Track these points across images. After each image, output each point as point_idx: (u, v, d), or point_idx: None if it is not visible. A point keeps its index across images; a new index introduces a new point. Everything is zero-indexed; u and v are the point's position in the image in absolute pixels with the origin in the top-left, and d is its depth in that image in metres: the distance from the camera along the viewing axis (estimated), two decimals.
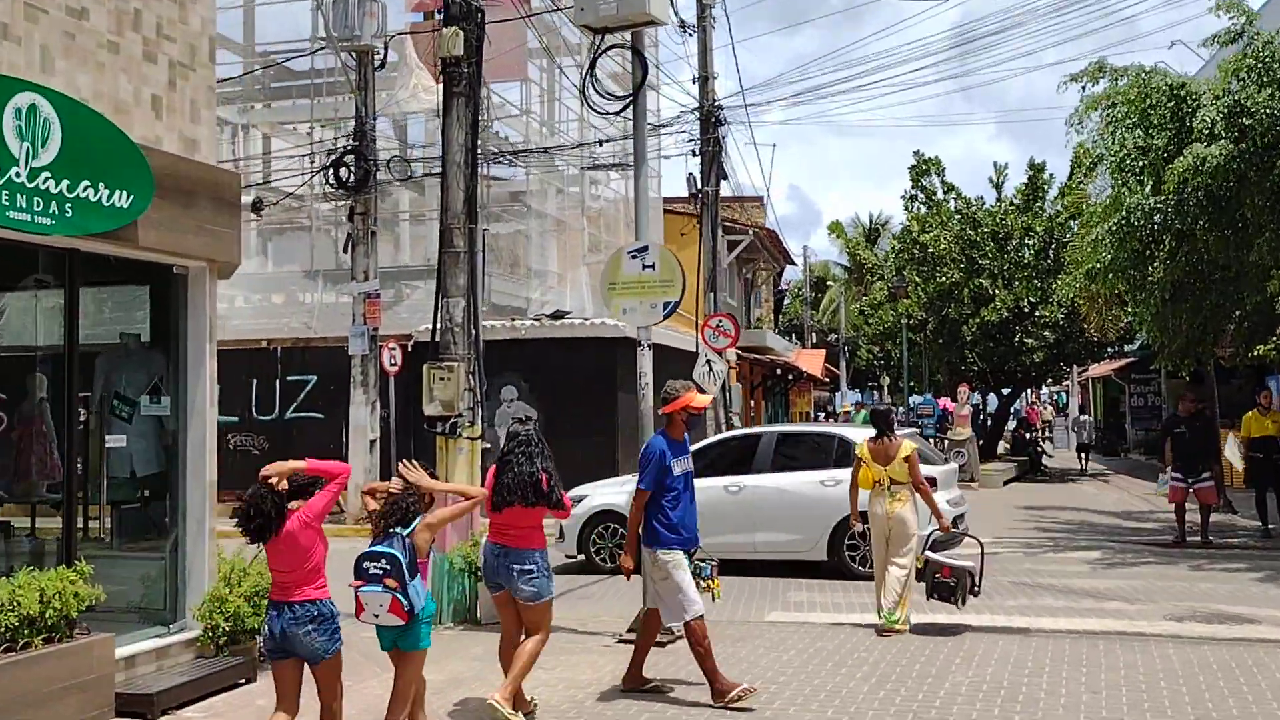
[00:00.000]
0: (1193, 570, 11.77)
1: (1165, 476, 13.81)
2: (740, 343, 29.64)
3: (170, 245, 7.36)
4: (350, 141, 17.67)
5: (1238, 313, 14.09)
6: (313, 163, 18.75)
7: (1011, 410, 33.43)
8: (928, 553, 8.80)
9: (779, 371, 33.27)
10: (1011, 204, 27.16)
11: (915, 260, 27.72)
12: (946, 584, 8.61)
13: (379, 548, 5.24)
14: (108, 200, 6.65)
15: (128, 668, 7.07)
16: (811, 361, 40.36)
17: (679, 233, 29.36)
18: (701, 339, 16.02)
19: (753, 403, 34.16)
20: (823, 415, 48.58)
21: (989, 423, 33.18)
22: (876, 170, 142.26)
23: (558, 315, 18.54)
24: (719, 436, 14.08)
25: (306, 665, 5.27)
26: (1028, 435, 30.03)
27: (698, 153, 16.17)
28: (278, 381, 19.15)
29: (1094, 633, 8.60)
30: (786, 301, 59.64)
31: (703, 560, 6.92)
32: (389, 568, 5.15)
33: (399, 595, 5.16)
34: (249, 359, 19.20)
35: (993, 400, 34.92)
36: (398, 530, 5.34)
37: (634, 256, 8.85)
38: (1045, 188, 26.91)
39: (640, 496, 6.73)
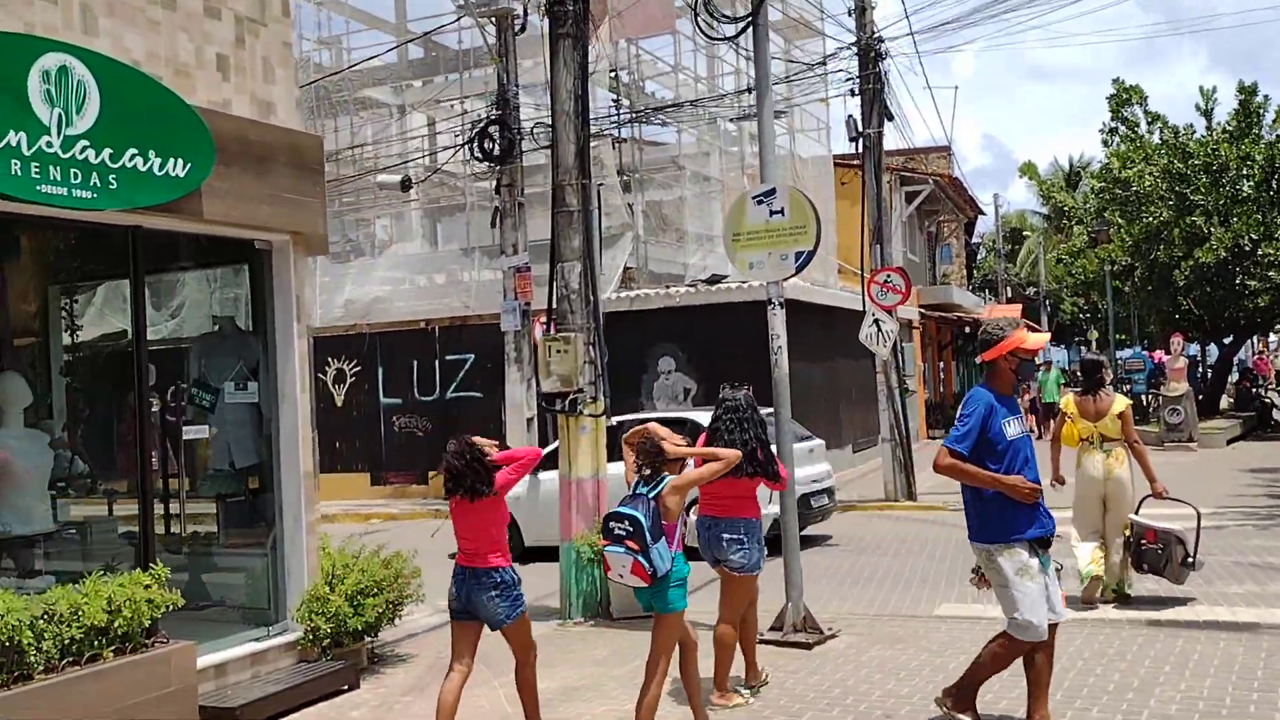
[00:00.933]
0: None
1: None
2: (924, 301, 27.88)
3: (242, 217, 6.76)
4: (494, 111, 17.12)
5: None
6: (461, 138, 18.30)
7: (1235, 361, 30.18)
8: (1133, 516, 8.03)
9: (969, 330, 31.16)
10: (1224, 132, 24.23)
11: (1118, 200, 25.18)
12: (1154, 550, 7.84)
13: (624, 509, 5.17)
14: (160, 169, 6.07)
15: (218, 676, 6.58)
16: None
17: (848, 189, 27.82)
18: (868, 296, 14.67)
19: (941, 364, 32.20)
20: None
21: (1208, 376, 30.10)
22: (1079, 116, 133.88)
23: (713, 280, 17.50)
24: None
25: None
26: (1254, 388, 26.98)
27: (856, 92, 14.76)
28: (437, 362, 18.91)
29: None
30: (981, 255, 56.40)
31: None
32: (630, 530, 5.10)
33: (640, 558, 5.08)
34: (410, 341, 19.05)
35: (1213, 352, 31.68)
36: (643, 491, 5.24)
37: (759, 202, 7.74)
38: (1260, 112, 23.87)
39: (944, 460, 5.03)
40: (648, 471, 5.31)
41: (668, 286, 17.96)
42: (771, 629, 7.60)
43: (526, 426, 17.26)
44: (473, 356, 18.54)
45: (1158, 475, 8.10)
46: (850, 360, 19.30)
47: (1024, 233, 60.98)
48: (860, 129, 14.82)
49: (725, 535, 6.07)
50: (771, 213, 7.69)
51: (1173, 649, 6.73)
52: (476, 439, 5.50)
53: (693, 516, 6.36)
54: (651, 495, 5.21)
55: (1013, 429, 5.07)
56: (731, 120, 19.55)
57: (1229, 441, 22.24)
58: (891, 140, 37.45)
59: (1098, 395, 8.20)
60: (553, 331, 8.86)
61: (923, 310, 27.37)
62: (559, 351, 8.65)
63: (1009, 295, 48.85)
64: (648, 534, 5.08)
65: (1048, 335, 5.69)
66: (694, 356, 17.41)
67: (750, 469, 6.04)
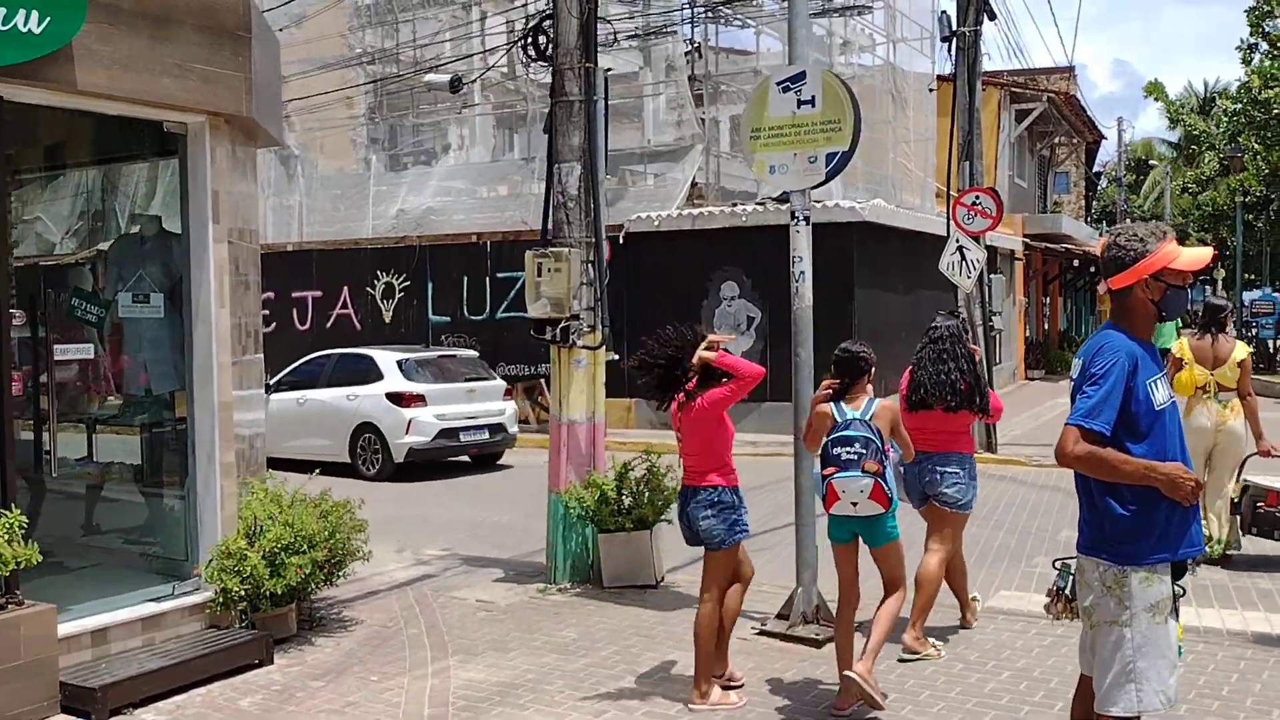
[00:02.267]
0: None
1: None
2: (1030, 230, 25.61)
3: (135, 91, 5.50)
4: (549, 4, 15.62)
5: None
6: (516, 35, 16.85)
7: None
8: (1246, 477, 7.59)
9: (1077, 264, 28.76)
10: None
11: (1255, 124, 22.52)
12: (1272, 514, 7.38)
13: (849, 431, 4.89)
14: (4, 23, 4.84)
15: (96, 644, 5.51)
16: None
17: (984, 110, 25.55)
18: (953, 220, 12.90)
19: (1046, 299, 29.92)
20: None
21: None
22: (1221, 40, 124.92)
23: (784, 198, 15.77)
24: (311, 356, 15.03)
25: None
26: None
27: None
28: (488, 279, 17.72)
29: None
30: (1102, 185, 52.79)
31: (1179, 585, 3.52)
32: (865, 450, 4.82)
33: (880, 479, 4.81)
34: (461, 255, 17.88)
35: None
36: (854, 415, 4.96)
37: (785, 89, 6.18)
38: None
39: (1076, 447, 3.35)
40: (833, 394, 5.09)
41: (734, 204, 16.36)
42: (778, 617, 6.25)
43: None
44: (524, 275, 17.27)
45: (1266, 434, 7.48)
46: (938, 293, 17.53)
47: (1150, 162, 56.96)
48: (955, 26, 12.90)
49: (940, 469, 5.82)
50: (800, 103, 6.14)
51: None
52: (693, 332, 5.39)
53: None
54: (867, 417, 4.96)
55: (1161, 393, 3.42)
56: (813, 16, 17.57)
57: None
58: (1007, 60, 34.64)
59: (1217, 339, 7.57)
60: (544, 247, 7.47)
61: (1028, 240, 25.17)
62: (551, 270, 7.31)
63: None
64: (882, 454, 4.86)
65: (1210, 251, 3.83)
66: (760, 282, 15.87)
67: (953, 402, 5.77)
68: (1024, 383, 24.80)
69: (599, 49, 15.94)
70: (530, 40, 15.82)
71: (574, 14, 7.38)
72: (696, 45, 17.58)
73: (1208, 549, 7.27)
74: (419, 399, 13.03)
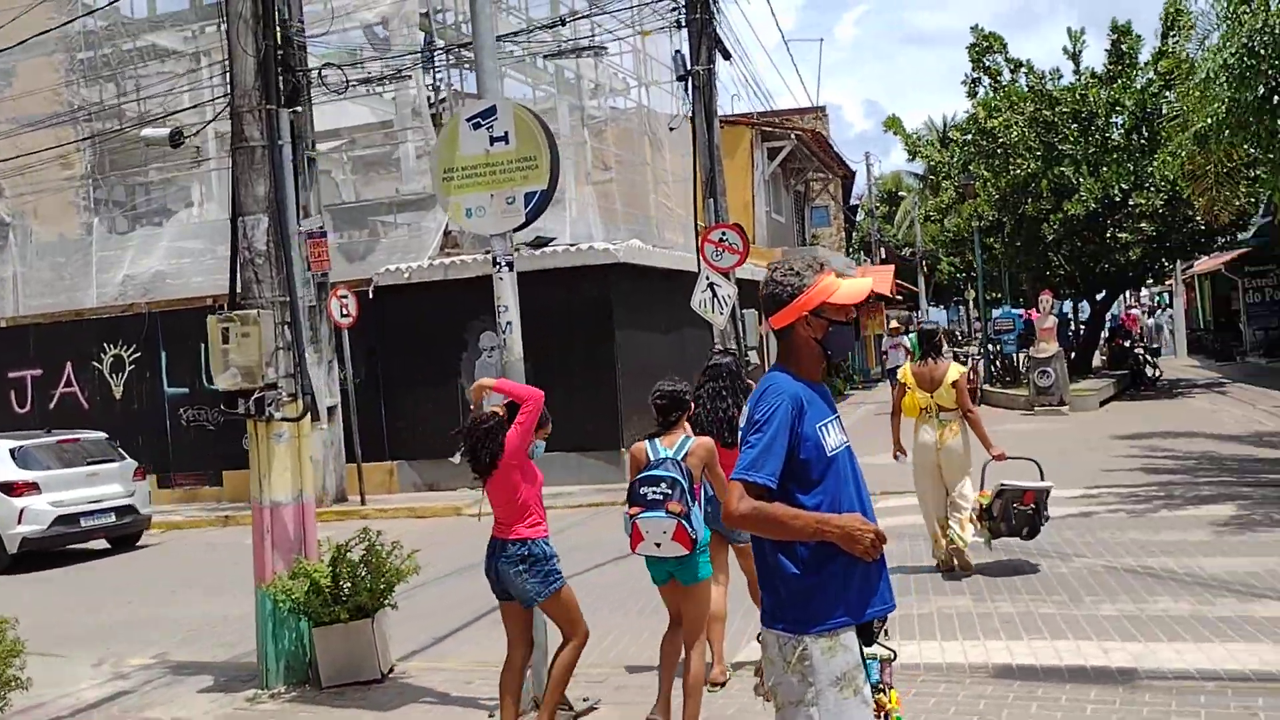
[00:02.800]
0: None
1: None
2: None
3: None
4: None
5: None
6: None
7: (1108, 318, 29.41)
8: (1003, 481, 7.87)
9: None
10: (1093, 76, 23.05)
11: (984, 152, 23.84)
12: (1026, 513, 7.72)
13: (657, 471, 4.87)
14: None
15: None
16: (878, 279, 36.67)
17: (727, 149, 25.97)
18: (702, 257, 12.80)
19: None
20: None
21: (1081, 334, 29.30)
22: (955, 78, 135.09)
23: (539, 242, 15.46)
24: None
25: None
26: (1127, 344, 26.15)
27: (683, 23, 12.83)
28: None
29: (1251, 678, 5.35)
30: (859, 217, 55.43)
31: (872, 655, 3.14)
32: (671, 491, 4.80)
33: (685, 522, 4.77)
34: (196, 321, 16.42)
35: (1088, 309, 30.94)
36: (667, 454, 4.97)
37: (476, 126, 5.72)
38: (1133, 52, 22.73)
39: (740, 505, 2.94)
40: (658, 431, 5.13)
41: (487, 252, 15.79)
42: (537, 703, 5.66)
43: (327, 416, 15.04)
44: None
45: (994, 440, 7.93)
46: (703, 331, 17.52)
47: (899, 193, 60.47)
48: (688, 66, 12.88)
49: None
50: (493, 140, 5.69)
51: (1026, 714, 5.00)
52: (481, 412, 5.28)
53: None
54: (679, 457, 4.94)
55: (833, 437, 3.06)
56: (547, 57, 17.37)
57: (1102, 403, 21.19)
58: (758, 103, 35.79)
59: (935, 363, 8.02)
60: (232, 308, 6.71)
61: None
62: (239, 336, 6.53)
63: (883, 256, 48.07)
64: (688, 495, 4.83)
65: (868, 283, 3.36)
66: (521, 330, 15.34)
67: (730, 438, 5.61)
68: None
69: (341, 94, 15.15)
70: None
71: (249, 51, 6.65)
72: (438, 89, 17.03)
73: (959, 543, 7.73)
74: (32, 487, 12.68)
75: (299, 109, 14.75)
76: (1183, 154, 12.57)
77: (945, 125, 53.91)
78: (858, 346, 39.06)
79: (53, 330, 17.15)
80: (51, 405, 17.11)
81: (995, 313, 26.52)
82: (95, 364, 16.91)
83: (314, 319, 15.02)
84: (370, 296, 15.77)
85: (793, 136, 26.32)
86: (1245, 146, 11.48)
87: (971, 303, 50.80)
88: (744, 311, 13.31)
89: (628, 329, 15.14)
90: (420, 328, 15.70)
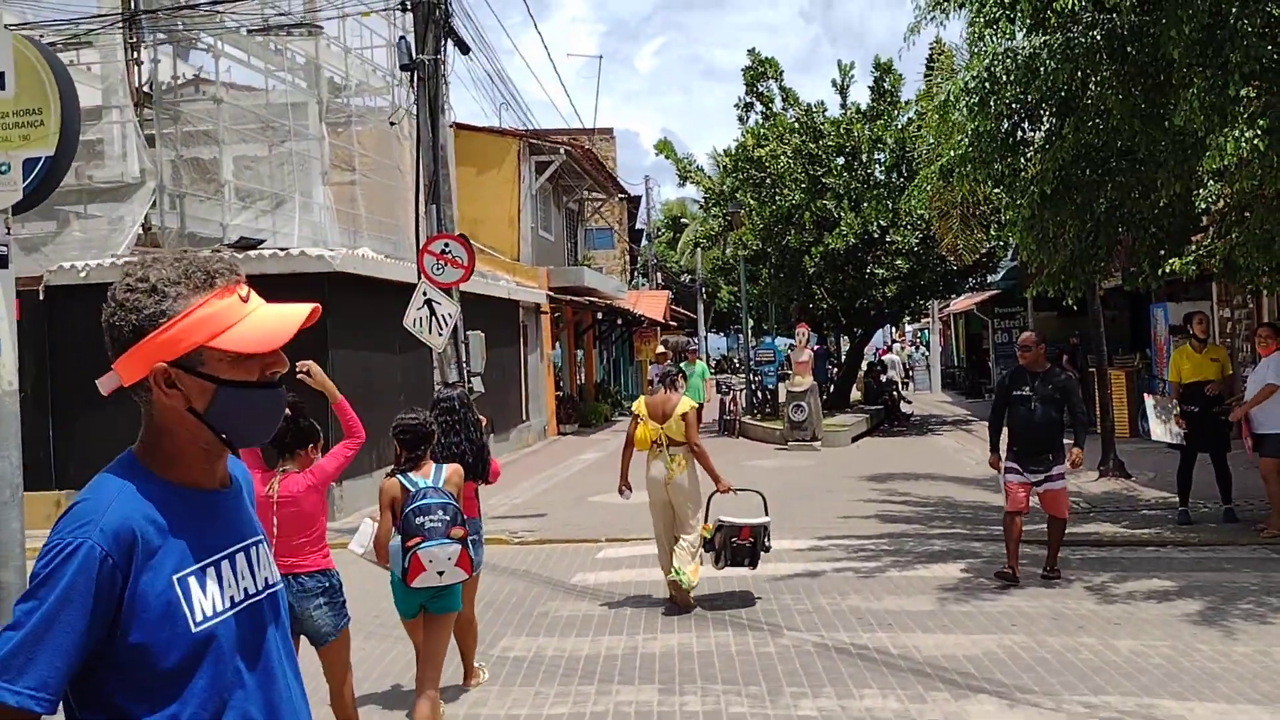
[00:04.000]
0: (1095, 598, 7.80)
1: (1000, 468, 8.57)
2: (555, 283, 25.18)
3: None
4: None
5: (1141, 215, 10.18)
6: None
7: (866, 352, 29.75)
8: (721, 517, 8.01)
9: (602, 316, 28.90)
10: (858, 112, 23.10)
11: (752, 181, 23.52)
12: (745, 547, 7.92)
13: (431, 500, 4.76)
14: None
15: None
16: (651, 304, 36.17)
17: (492, 161, 24.62)
18: (420, 270, 11.40)
19: (579, 351, 29.78)
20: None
21: (838, 368, 29.53)
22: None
23: (245, 244, 13.60)
24: None
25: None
26: (883, 379, 26.37)
27: (409, 6, 11.40)
28: None
29: None
30: (645, 243, 55.15)
31: None
32: (449, 518, 4.73)
33: (466, 545, 4.77)
34: None
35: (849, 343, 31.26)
36: (425, 484, 4.86)
37: None
38: (895, 90, 22.90)
39: None
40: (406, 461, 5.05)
41: (185, 251, 13.83)
42: None
43: None
44: None
45: (722, 474, 8.04)
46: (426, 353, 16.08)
47: (683, 220, 60.74)
48: (414, 55, 11.47)
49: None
50: None
51: None
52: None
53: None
54: (440, 484, 4.92)
55: (218, 595, 1.79)
56: (253, 31, 15.46)
57: (854, 439, 21.02)
58: (535, 119, 34.63)
59: (666, 394, 7.99)
60: None
61: (553, 293, 24.67)
62: None
63: (659, 281, 47.89)
64: (464, 520, 4.85)
65: (300, 312, 1.90)
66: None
67: (466, 474, 5.55)
68: (555, 438, 24.15)
69: None
70: None
71: None
72: (138, 58, 14.91)
73: (677, 578, 7.70)
74: None
75: None
76: (928, 188, 12.11)
77: (736, 153, 54.61)
78: (631, 370, 38.46)
79: None
80: None
81: (764, 343, 26.27)
82: None
83: None
84: (40, 298, 13.49)
85: (562, 151, 25.22)
86: (989, 185, 11.07)
87: (750, 331, 51.40)
88: (469, 333, 11.96)
89: (346, 349, 13.50)
90: (101, 336, 13.53)
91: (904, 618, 7.39)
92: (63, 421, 13.57)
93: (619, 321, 31.00)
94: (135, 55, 15.17)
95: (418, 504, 4.78)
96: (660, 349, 26.27)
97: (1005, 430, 8.58)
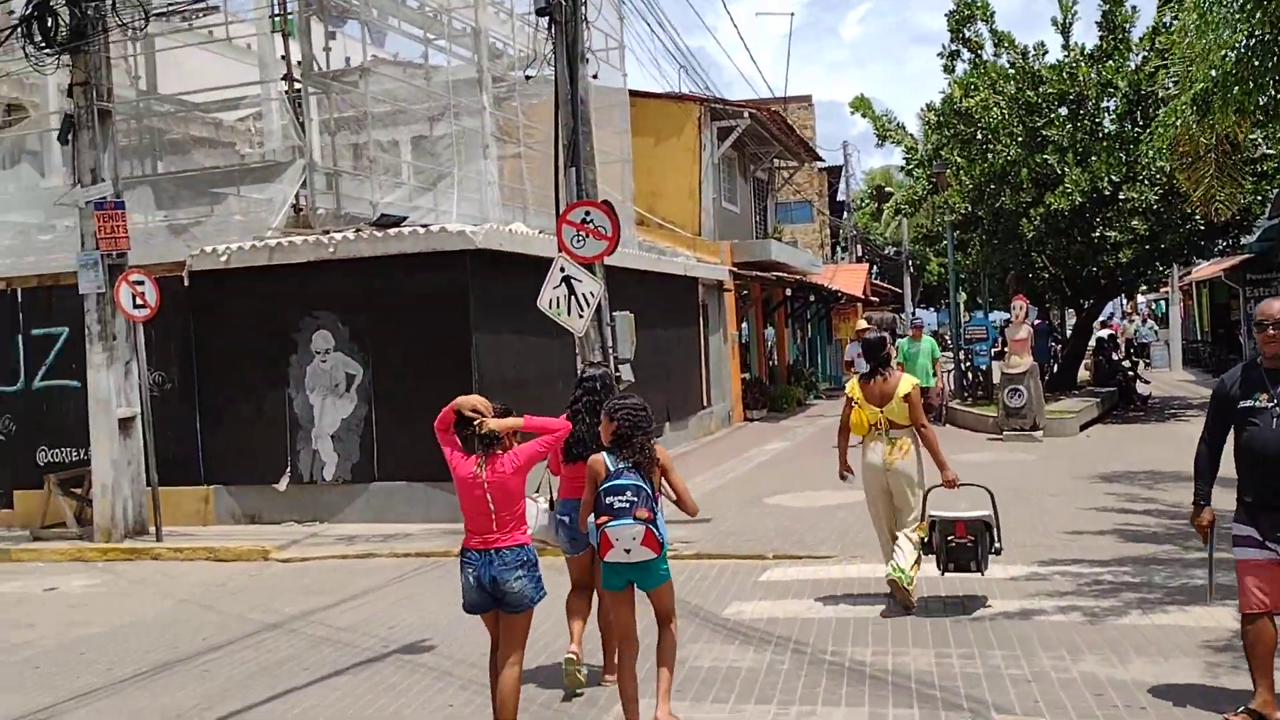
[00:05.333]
0: None
1: (1209, 533, 5.34)
2: (739, 258, 23.41)
3: None
4: None
5: None
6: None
7: (1095, 327, 26.52)
8: (932, 512, 7.33)
9: (792, 293, 26.92)
10: (1082, 53, 20.17)
11: (959, 137, 20.99)
12: (964, 546, 7.15)
13: (621, 481, 5.02)
14: None
15: None
16: (850, 279, 33.88)
17: (670, 129, 23.08)
18: (560, 243, 9.96)
19: (769, 331, 27.93)
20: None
21: (1063, 346, 26.46)
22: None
23: (386, 222, 12.54)
24: None
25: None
26: (1114, 358, 23.27)
27: None
28: (20, 338, 13.60)
29: None
30: (846, 216, 52.45)
31: None
32: (636, 499, 4.98)
33: (653, 527, 4.97)
34: None
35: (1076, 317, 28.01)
36: (623, 465, 5.08)
37: None
38: (1126, 25, 19.85)
39: None
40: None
41: (326, 231, 12.94)
42: None
43: (120, 431, 12.18)
44: (67, 330, 13.28)
45: (949, 463, 7.35)
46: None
47: (887, 189, 57.54)
48: None
49: None
50: None
51: None
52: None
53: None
54: (635, 465, 5.08)
55: None
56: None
57: (1082, 427, 18.34)
58: (745, 91, 32.88)
59: (884, 376, 7.40)
60: None
61: (737, 269, 22.93)
62: None
63: (859, 254, 45.26)
64: (652, 502, 5.01)
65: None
66: (359, 330, 12.48)
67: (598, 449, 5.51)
68: (741, 425, 22.46)
69: (141, 29, 12.23)
70: (37, 23, 11.91)
71: None
72: (286, 30, 14.11)
73: (896, 575, 7.10)
74: None
75: (86, 49, 11.94)
76: (1173, 128, 9.71)
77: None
78: (829, 350, 36.23)
79: None
80: None
81: (966, 319, 23.69)
82: None
83: (103, 309, 12.19)
84: (185, 284, 12.88)
85: (746, 115, 23.38)
86: (1255, 113, 8.62)
87: (962, 305, 47.98)
88: (615, 314, 10.43)
89: (488, 332, 12.26)
90: (245, 324, 12.82)
91: (1164, 696, 5.35)
92: (207, 412, 12.94)
93: (812, 298, 28.91)
94: (285, 28, 14.37)
95: (610, 484, 5.01)
96: (862, 324, 23.97)
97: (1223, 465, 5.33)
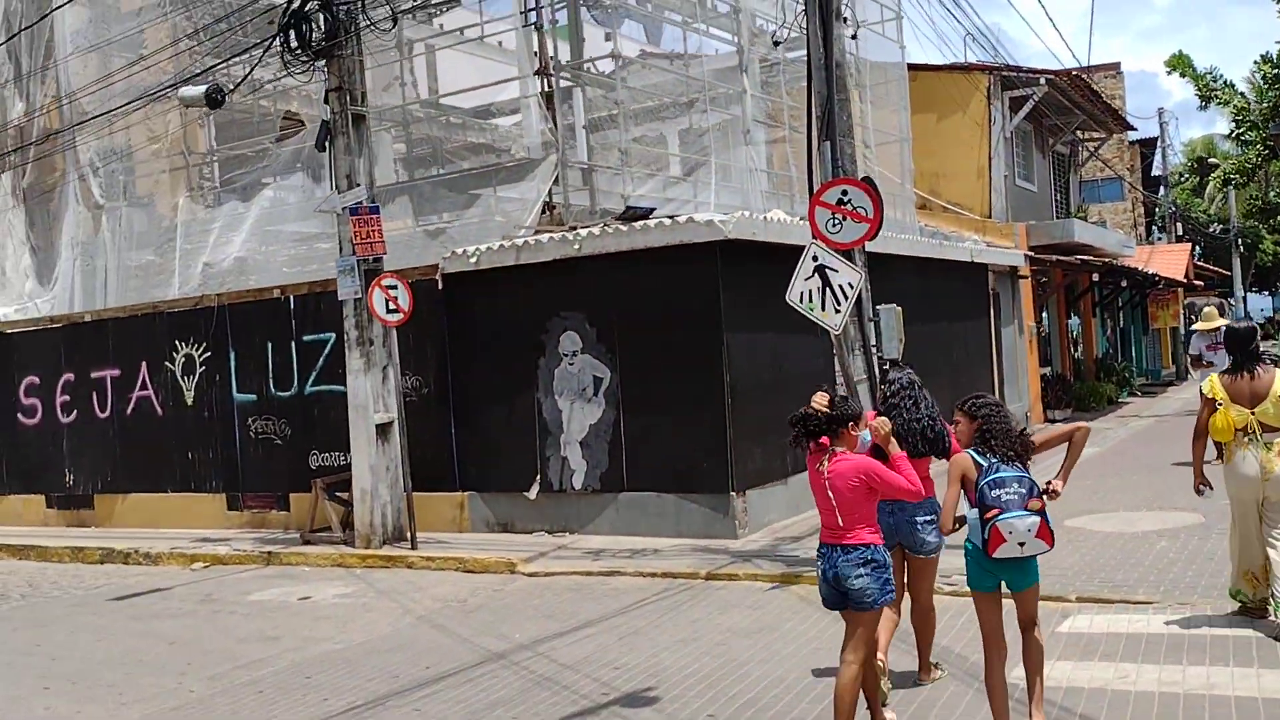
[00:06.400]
0: None
1: None
2: (1036, 241, 21.03)
3: None
4: None
5: None
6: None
7: None
8: None
9: (1098, 278, 24.10)
10: None
11: None
12: None
13: (1006, 473, 4.88)
14: None
15: None
16: (1168, 261, 30.19)
17: (955, 104, 21.18)
18: (812, 227, 8.73)
19: (1073, 320, 25.22)
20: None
21: None
22: None
23: (631, 215, 11.72)
24: None
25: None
26: None
27: None
28: (293, 344, 13.91)
29: None
30: (1163, 192, 47.45)
31: None
32: (1025, 490, 4.82)
33: (1045, 518, 4.80)
34: (264, 316, 14.12)
35: None
36: (991, 458, 4.97)
37: None
38: None
39: None
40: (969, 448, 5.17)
41: (573, 227, 12.31)
42: None
43: (378, 436, 12.12)
44: (333, 337, 13.43)
45: None
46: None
47: (1210, 160, 51.54)
48: None
49: (919, 518, 5.86)
50: None
51: None
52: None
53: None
54: (1015, 457, 5.00)
55: None
56: None
57: None
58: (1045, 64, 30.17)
59: (1253, 373, 6.59)
60: None
61: (1033, 252, 20.65)
62: None
63: (1178, 234, 40.58)
64: (1043, 493, 4.90)
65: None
66: (607, 331, 11.77)
67: (923, 447, 5.92)
68: (1041, 426, 20.18)
69: (391, 28, 12.12)
70: (294, 30, 12.00)
71: None
72: (537, 24, 13.65)
73: (1271, 604, 6.46)
74: None
75: (339, 54, 11.92)
76: None
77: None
78: (1145, 341, 32.55)
79: (128, 324, 15.26)
80: (129, 410, 15.24)
81: None
82: (168, 364, 14.86)
83: (360, 314, 12.15)
84: (439, 287, 12.67)
85: (1042, 81, 20.99)
86: None
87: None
88: (879, 308, 9.08)
89: (742, 330, 11.19)
90: (495, 327, 12.44)
91: None
92: (462, 417, 12.66)
93: (1124, 284, 25.86)
94: (538, 21, 13.94)
95: (992, 477, 4.86)
96: (1208, 309, 20.44)
97: None
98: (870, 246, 9.07)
